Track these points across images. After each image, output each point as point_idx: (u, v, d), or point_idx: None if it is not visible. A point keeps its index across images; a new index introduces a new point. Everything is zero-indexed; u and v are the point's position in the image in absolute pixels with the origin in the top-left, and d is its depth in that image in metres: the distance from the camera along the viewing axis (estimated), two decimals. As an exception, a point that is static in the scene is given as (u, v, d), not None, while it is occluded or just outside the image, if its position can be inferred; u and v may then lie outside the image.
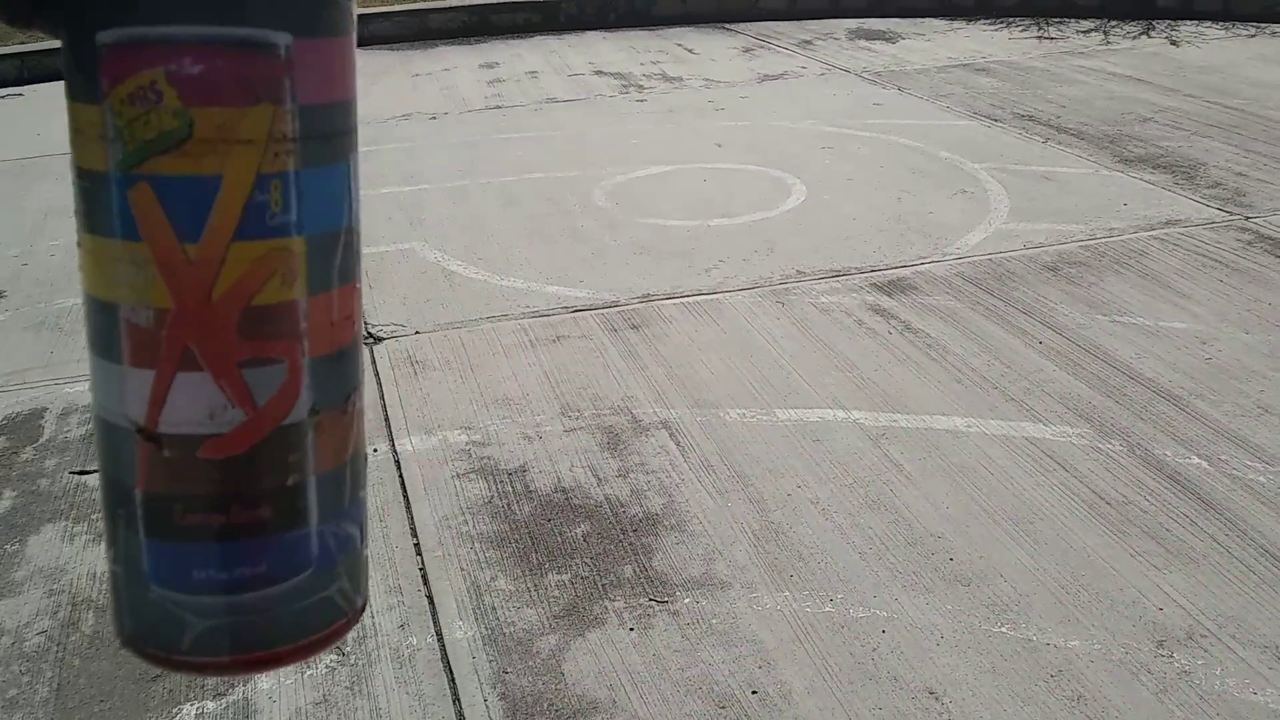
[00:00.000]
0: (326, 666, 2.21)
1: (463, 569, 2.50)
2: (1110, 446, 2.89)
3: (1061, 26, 8.41)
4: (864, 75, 7.07)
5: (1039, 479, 2.76)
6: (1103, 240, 4.26)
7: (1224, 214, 4.50)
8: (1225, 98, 6.28)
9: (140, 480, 0.45)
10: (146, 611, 0.46)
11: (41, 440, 3.05)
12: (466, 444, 3.00)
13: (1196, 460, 2.82)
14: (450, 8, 8.87)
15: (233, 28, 0.41)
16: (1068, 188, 4.86)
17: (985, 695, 2.10)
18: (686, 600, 2.37)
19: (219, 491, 0.44)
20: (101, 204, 0.43)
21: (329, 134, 0.45)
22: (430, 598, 2.41)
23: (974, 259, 4.12)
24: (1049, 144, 5.49)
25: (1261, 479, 2.74)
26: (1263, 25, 8.22)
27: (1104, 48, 7.68)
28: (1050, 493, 2.70)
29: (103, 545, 0.52)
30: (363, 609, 0.51)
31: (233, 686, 2.18)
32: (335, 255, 0.46)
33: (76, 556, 2.58)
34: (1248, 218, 4.46)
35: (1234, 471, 2.77)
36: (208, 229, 0.42)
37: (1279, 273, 3.92)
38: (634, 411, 3.13)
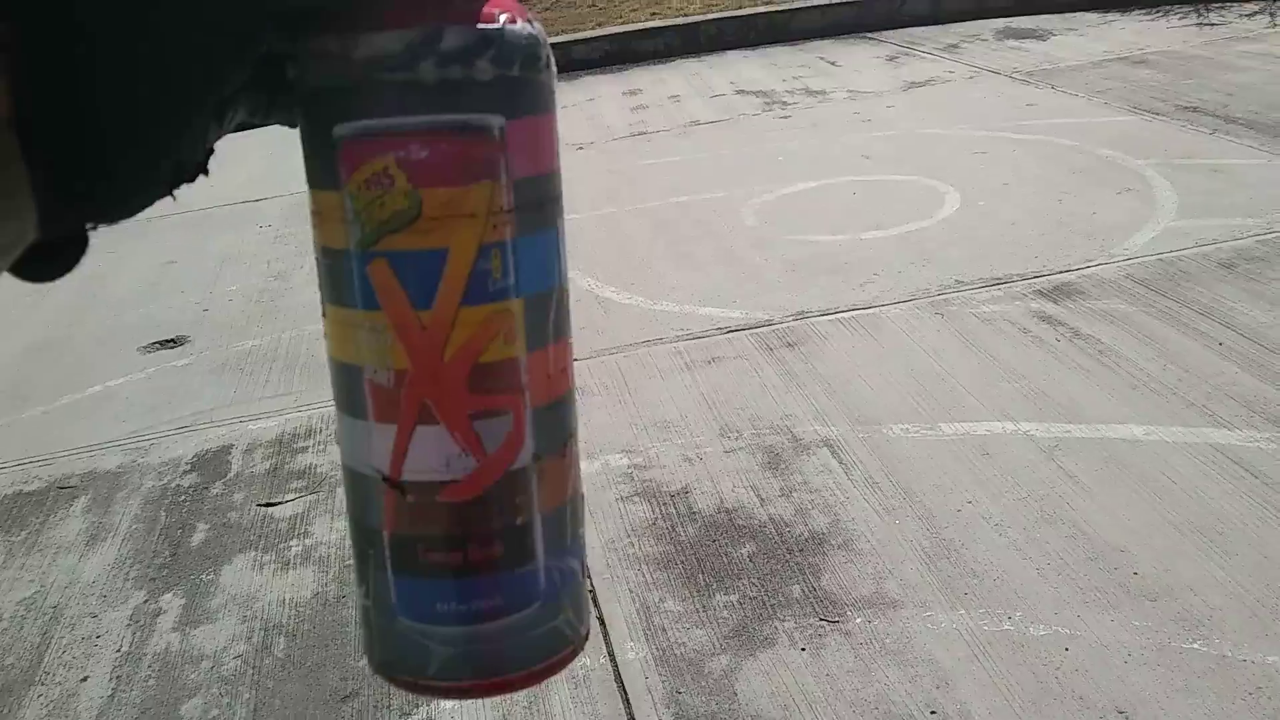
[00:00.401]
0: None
1: (631, 591, 2.52)
2: (1304, 450, 2.73)
3: (1223, 11, 8.03)
4: (1014, 76, 6.89)
5: (1226, 487, 2.63)
6: (1282, 233, 4.04)
7: None
8: None
9: (387, 524, 0.50)
10: (395, 641, 0.51)
11: (229, 475, 3.22)
12: (628, 467, 3.03)
13: (1402, 462, 2.65)
14: (592, 38, 9.02)
15: (453, 114, 0.46)
16: (1240, 180, 4.63)
17: (1179, 714, 2.00)
18: (858, 620, 2.34)
19: (457, 532, 0.49)
20: (344, 279, 0.48)
21: (540, 203, 0.50)
22: (601, 619, 2.44)
23: (1143, 259, 3.95)
24: (1216, 135, 5.24)
25: None
26: None
27: (1271, 30, 7.30)
28: (1239, 501, 2.57)
29: (353, 582, 0.58)
30: (586, 637, 0.55)
31: (418, 706, 2.24)
32: (550, 313, 0.51)
33: (266, 584, 2.70)
34: None
35: None
36: (438, 297, 0.47)
37: None
38: (794, 430, 3.11)
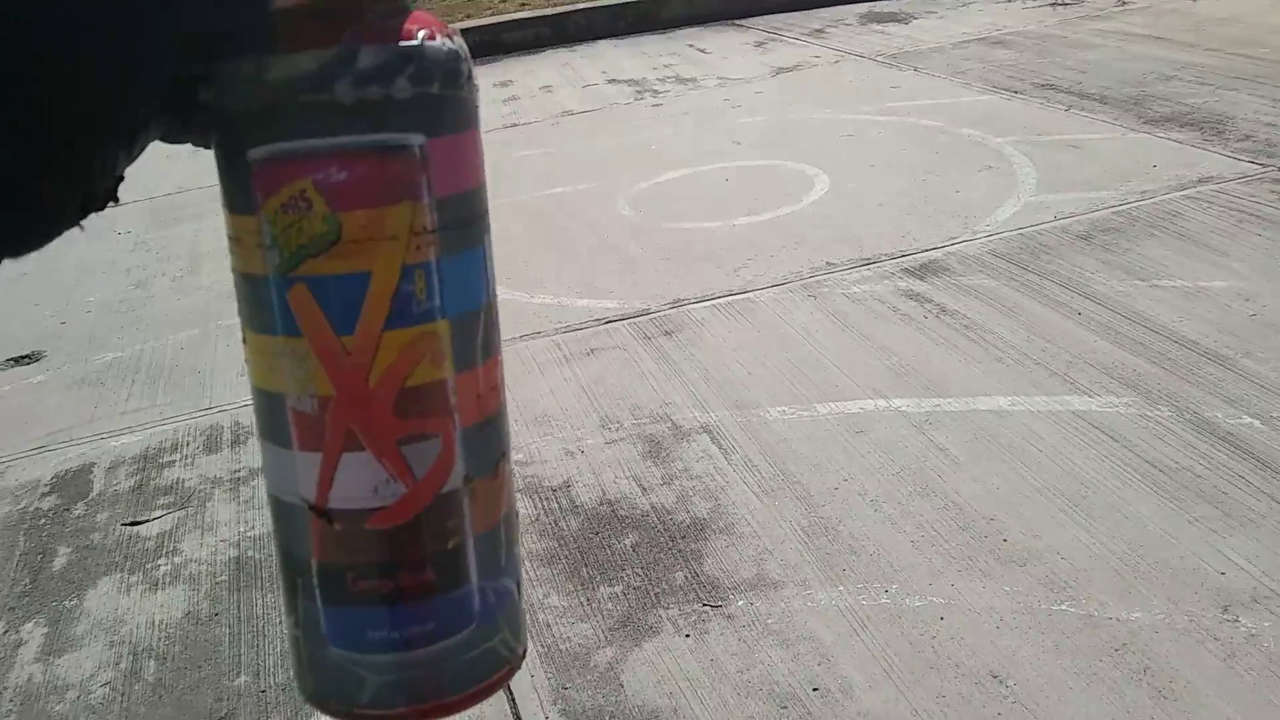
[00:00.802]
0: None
1: (539, 650, 2.49)
2: (1159, 413, 2.84)
3: (1075, -8, 8.31)
4: (879, 59, 7.03)
5: (1089, 452, 2.72)
6: (1135, 204, 4.20)
7: (1257, 166, 4.43)
8: (1248, 48, 6.18)
9: (315, 552, 0.49)
10: (326, 670, 0.50)
11: (92, 495, 3.09)
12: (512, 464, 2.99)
13: (1249, 420, 2.77)
14: (461, 30, 8.86)
15: (371, 134, 0.45)
16: (1095, 154, 4.79)
17: (1050, 674, 2.06)
18: (740, 603, 2.36)
19: (387, 559, 0.48)
20: (264, 305, 0.47)
21: (464, 221, 0.49)
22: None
23: (1005, 235, 4.07)
24: (1072, 111, 5.43)
25: (1317, 433, 2.68)
26: (1281, -29, 8.07)
27: (1120, 9, 7.59)
28: (1101, 465, 2.66)
29: (282, 610, 0.56)
30: (523, 655, 0.54)
31: (295, 724, 2.19)
32: (477, 333, 0.50)
33: (134, 607, 2.61)
34: (1281, 168, 4.38)
35: (1288, 428, 2.72)
36: (361, 321, 0.46)
37: (1318, 221, 3.84)
38: (674, 418, 3.12)
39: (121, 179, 0.43)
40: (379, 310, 0.45)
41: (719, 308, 3.78)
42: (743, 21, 8.86)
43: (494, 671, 0.52)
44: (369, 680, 0.49)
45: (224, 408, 3.49)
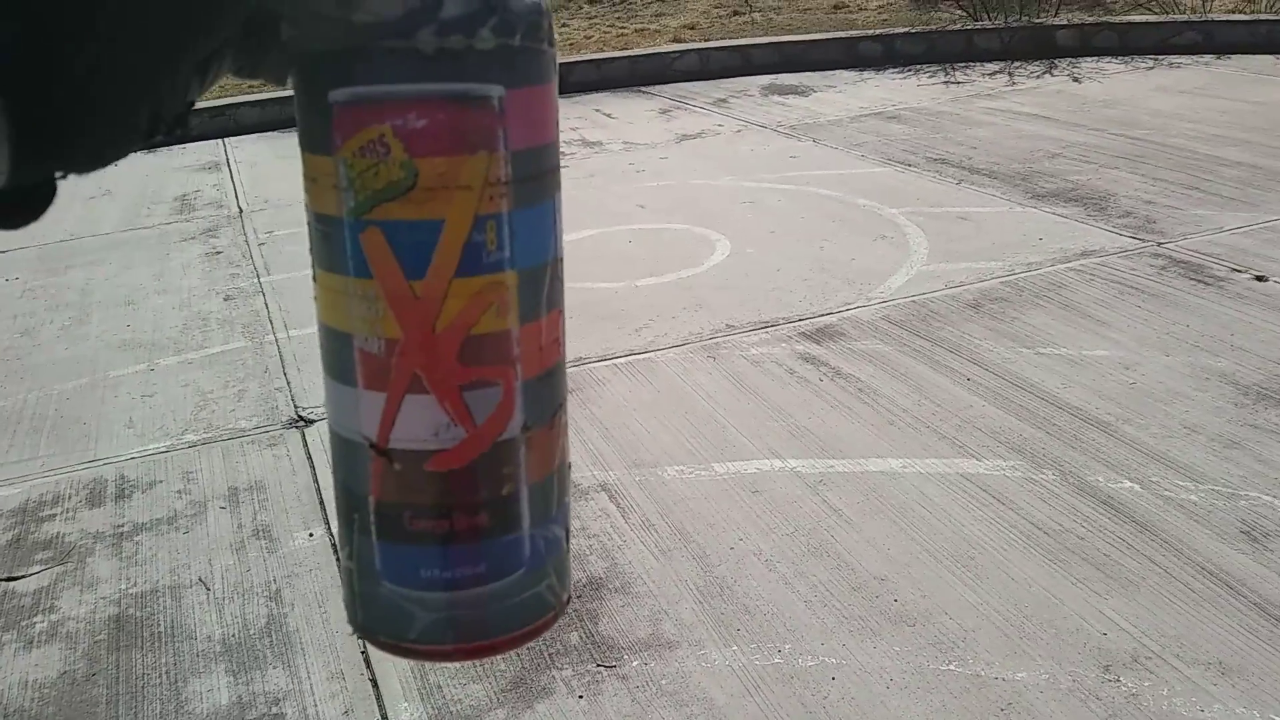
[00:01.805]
0: (270, 761, 2.15)
1: (406, 649, 2.45)
2: (1044, 476, 2.93)
3: (967, 70, 8.65)
4: (779, 129, 7.20)
5: (976, 514, 2.78)
6: (1022, 275, 4.35)
7: (1137, 241, 4.63)
8: (1129, 129, 6.48)
9: (373, 490, 0.50)
10: (378, 605, 0.51)
11: (-37, 550, 2.96)
12: (404, 521, 2.95)
13: (1128, 484, 2.87)
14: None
15: (452, 84, 0.45)
16: (984, 226, 4.96)
17: (938, 735, 2.09)
18: (635, 663, 2.35)
19: (443, 501, 0.49)
20: (336, 246, 0.47)
21: (536, 175, 0.49)
22: (374, 680, 2.36)
23: (898, 302, 4.18)
24: (963, 185, 5.62)
25: (1193, 498, 2.79)
26: (1160, 57, 8.52)
27: (1010, 89, 7.91)
28: (988, 527, 2.73)
29: (336, 544, 0.54)
30: (568, 602, 0.55)
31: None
32: (544, 286, 0.51)
33: (7, 666, 2.49)
34: (1160, 244, 4.58)
35: (1166, 492, 2.82)
36: (431, 268, 0.46)
37: (1194, 295, 4.03)
38: (572, 476, 3.11)
39: (192, 105, 0.42)
40: (450, 258, 0.46)
41: (620, 367, 3.80)
42: (649, 89, 9.02)
43: (539, 616, 0.53)
44: (419, 616, 0.50)
45: (109, 460, 3.38)
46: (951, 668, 2.27)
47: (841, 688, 2.23)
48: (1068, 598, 2.45)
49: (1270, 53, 8.36)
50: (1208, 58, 8.43)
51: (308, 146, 0.48)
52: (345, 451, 0.51)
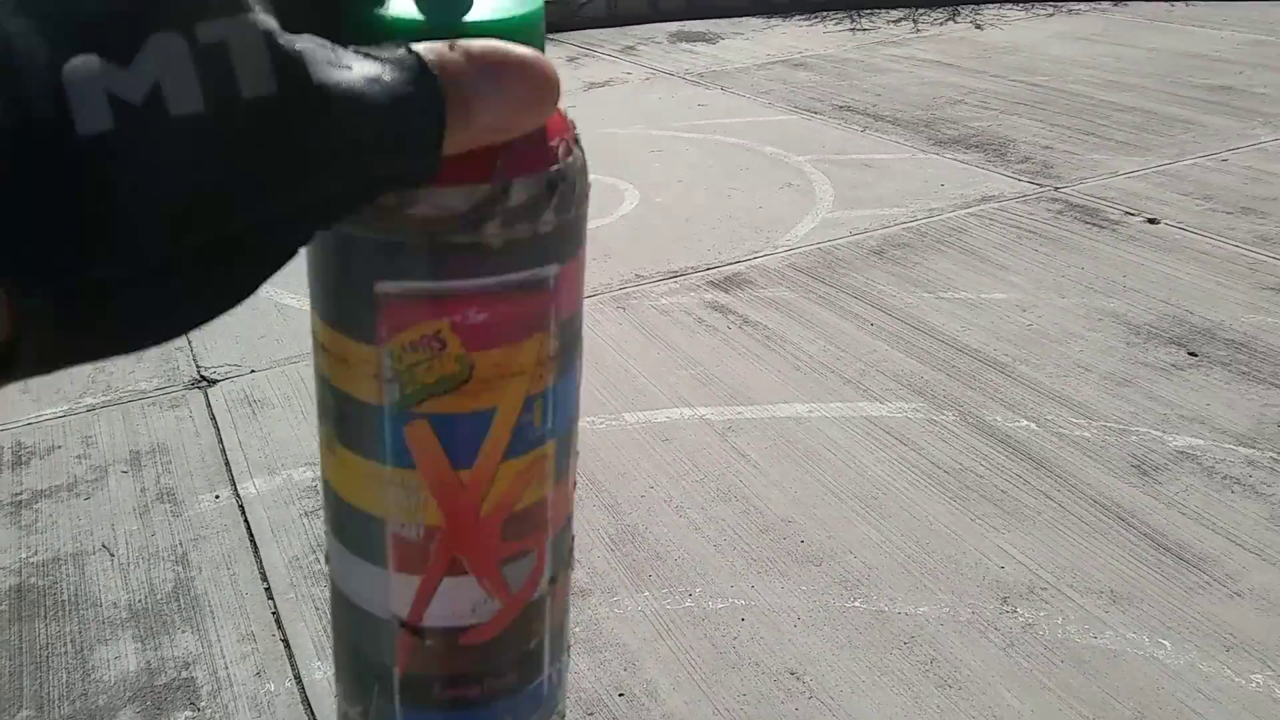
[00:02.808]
0: (181, 724, 2.14)
1: (318, 608, 2.44)
2: (944, 417, 3.01)
3: (873, 18, 8.70)
4: (687, 77, 7.19)
5: (880, 455, 2.85)
6: (924, 221, 4.43)
7: (1035, 186, 4.73)
8: (1028, 76, 6.60)
9: (400, 663, 0.47)
10: None
11: None
12: (312, 480, 2.93)
13: (1025, 422, 2.96)
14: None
15: (515, 273, 0.41)
16: (887, 173, 5.03)
17: (843, 669, 2.16)
18: (548, 612, 2.37)
19: (476, 670, 0.48)
20: (371, 432, 0.43)
21: (573, 338, 0.46)
22: (286, 641, 2.35)
23: (804, 249, 4.23)
24: (867, 132, 5.68)
25: (1086, 434, 2.88)
26: (1059, 4, 8.67)
27: (914, 35, 7.98)
28: (892, 468, 2.80)
29: (340, 692, 0.53)
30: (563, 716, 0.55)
31: (79, 757, 2.08)
32: (573, 442, 0.48)
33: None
34: (1056, 188, 4.69)
35: (1060, 429, 2.91)
36: (480, 455, 0.43)
37: (1088, 238, 4.14)
38: (483, 429, 3.11)
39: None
40: (499, 444, 0.43)
41: (529, 320, 3.79)
42: (555, 36, 8.91)
43: None
44: None
45: (4, 427, 3.29)
46: (857, 604, 2.33)
47: (750, 628, 2.28)
48: (967, 533, 2.53)
49: (1163, -1, 8.56)
50: (1105, 4, 8.60)
51: (340, 328, 0.43)
52: (363, 622, 0.48)
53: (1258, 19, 7.74)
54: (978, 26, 8.13)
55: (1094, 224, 4.27)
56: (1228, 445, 2.80)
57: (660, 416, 3.11)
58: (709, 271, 4.08)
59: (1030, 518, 2.58)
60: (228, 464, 3.03)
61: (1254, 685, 2.06)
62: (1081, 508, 2.60)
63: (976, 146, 5.32)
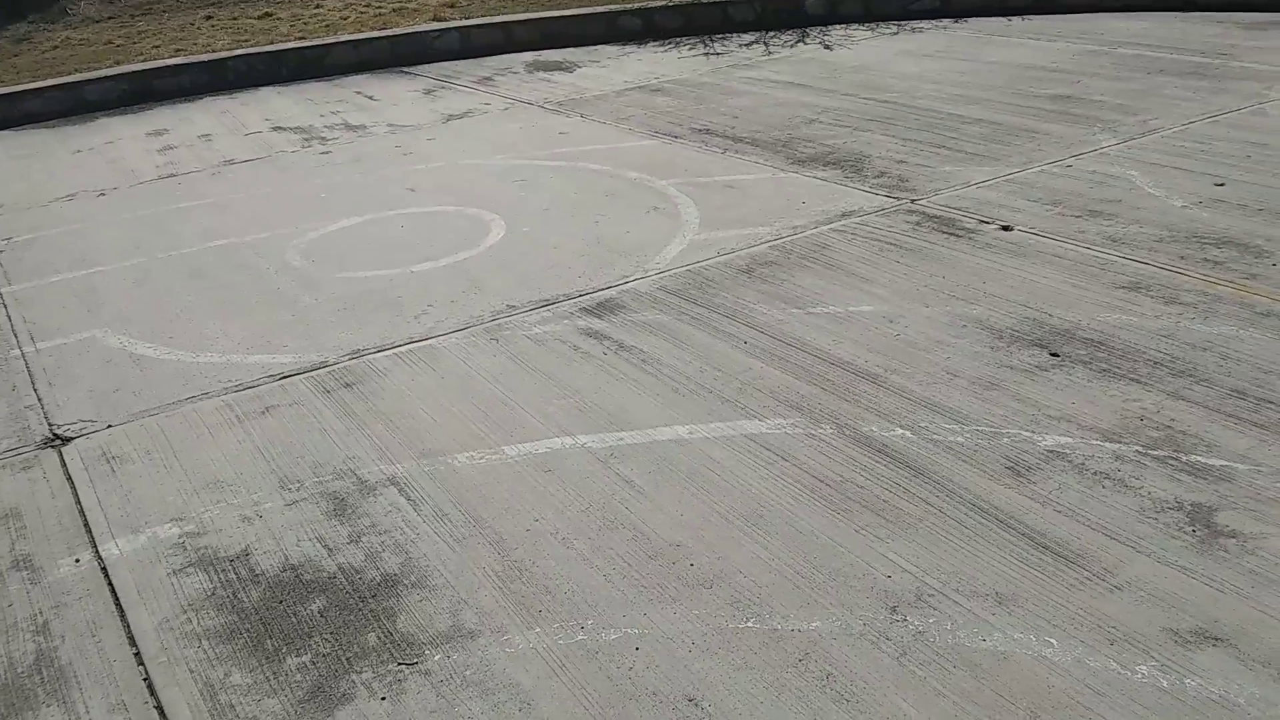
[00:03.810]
0: (47, 808, 2.00)
1: (192, 670, 2.32)
2: (822, 431, 3.03)
3: (725, 42, 8.84)
4: (546, 106, 7.17)
5: (762, 472, 2.86)
6: (788, 238, 4.48)
7: (892, 200, 4.84)
8: (878, 93, 6.78)
9: None
10: None
11: None
12: (180, 536, 2.79)
13: (900, 431, 3.00)
14: (106, 77, 8.34)
15: None
16: (750, 193, 5.09)
17: (741, 691, 2.14)
18: (437, 657, 2.30)
19: None
20: None
21: None
22: (160, 708, 2.22)
23: (674, 271, 4.24)
24: (728, 154, 5.74)
25: (959, 439, 2.94)
26: (903, 23, 8.95)
27: (766, 58, 8.13)
28: (774, 484, 2.80)
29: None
30: None
31: None
32: None
33: None
34: (913, 200, 4.81)
35: (935, 436, 2.96)
36: None
37: (947, 248, 4.25)
38: (359, 473, 3.02)
39: None
40: None
41: (401, 356, 3.70)
42: (410, 69, 8.82)
43: None
44: None
45: None
46: (750, 624, 2.32)
47: (646, 656, 2.25)
48: (852, 545, 2.55)
49: (1001, 15, 8.91)
50: (946, 21, 8.91)
51: None
52: None
53: (1089, 30, 8.12)
54: (826, 47, 8.33)
55: (951, 233, 4.39)
56: (1095, 442, 2.89)
57: (541, 448, 3.06)
58: (581, 298, 4.05)
59: (912, 525, 2.61)
60: (87, 525, 2.87)
61: (1140, 676, 2.11)
62: (961, 512, 2.65)
63: (834, 164, 5.43)
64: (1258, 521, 2.53)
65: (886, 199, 4.86)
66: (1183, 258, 4.00)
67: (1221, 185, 4.70)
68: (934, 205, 4.73)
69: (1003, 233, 4.37)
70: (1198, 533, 2.51)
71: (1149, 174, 4.92)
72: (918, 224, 4.52)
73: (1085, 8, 8.82)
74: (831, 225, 4.59)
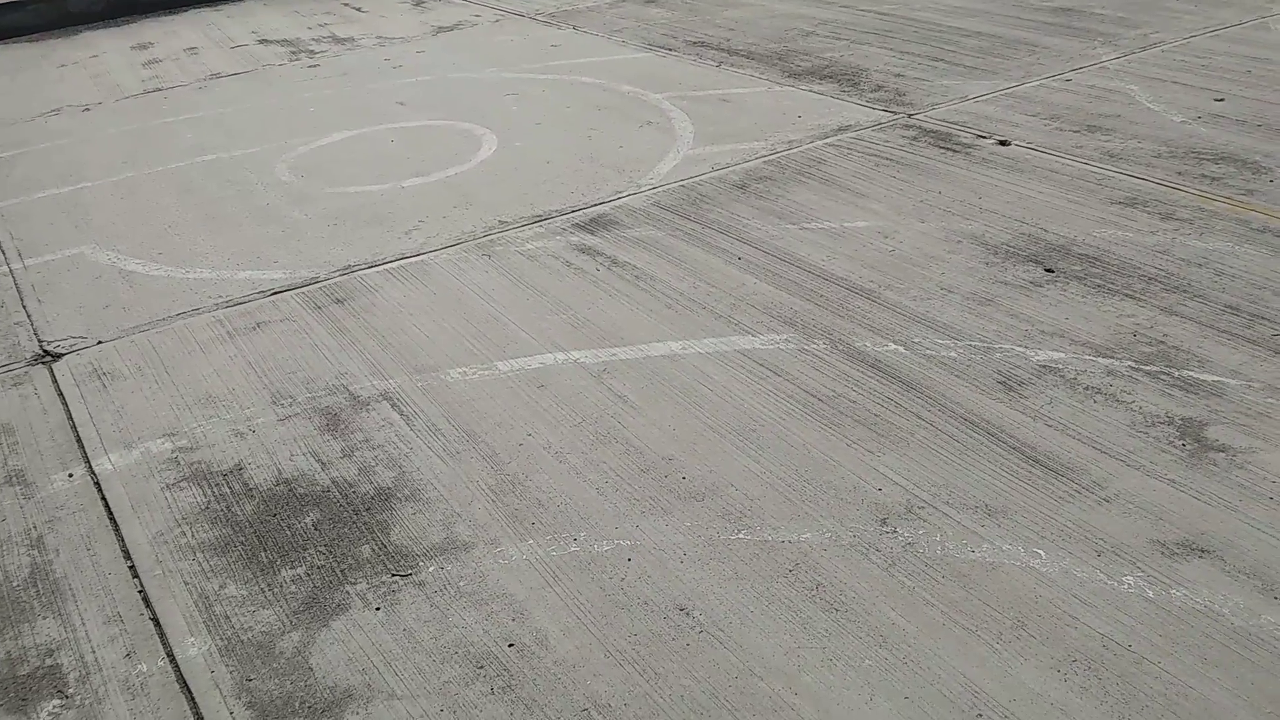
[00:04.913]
0: (49, 714, 2.02)
1: (187, 583, 2.34)
2: (815, 346, 3.03)
3: (720, -48, 8.66)
4: (538, 18, 7.04)
5: (755, 388, 2.86)
6: (783, 153, 4.43)
7: (889, 114, 4.78)
8: (876, 5, 6.66)
9: None
10: None
11: None
12: (172, 451, 2.80)
13: (893, 346, 3.00)
14: (88, -11, 8.17)
15: None
16: (745, 107, 5.02)
17: (731, 601, 2.16)
18: (431, 569, 2.32)
19: None
20: None
21: None
22: (155, 619, 2.24)
23: (668, 187, 4.20)
24: (723, 67, 5.66)
25: (953, 354, 2.94)
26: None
27: (762, -31, 7.97)
28: (767, 399, 2.81)
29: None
30: None
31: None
32: None
33: None
34: (910, 115, 4.75)
35: (928, 351, 2.96)
36: None
37: (943, 163, 4.21)
38: (351, 388, 3.01)
39: None
40: None
41: (392, 272, 3.68)
42: (399, -20, 8.63)
43: None
44: None
45: None
46: (741, 536, 2.34)
47: (638, 567, 2.27)
48: (844, 459, 2.56)
49: (1001, -74, 8.72)
50: (945, -68, 8.72)
51: None
52: None
53: (1090, -57, 7.96)
54: (825, -42, 8.16)
55: (948, 148, 4.34)
56: (1088, 357, 2.89)
57: (534, 363, 3.05)
58: (574, 214, 4.02)
59: (904, 439, 2.62)
60: (79, 440, 2.87)
61: (1126, 586, 2.13)
62: (953, 426, 2.65)
63: (830, 77, 5.35)
64: (1247, 436, 2.54)
65: (883, 113, 4.80)
66: (1180, 173, 3.97)
67: (1221, 100, 4.65)
68: (931, 120, 4.67)
69: (1000, 147, 4.33)
70: (1187, 447, 2.52)
71: (1148, 89, 4.86)
72: (914, 139, 4.47)
73: (1088, -83, 8.62)
74: (827, 140, 4.54)
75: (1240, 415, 2.62)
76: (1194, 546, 2.22)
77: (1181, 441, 2.54)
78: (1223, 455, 2.48)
